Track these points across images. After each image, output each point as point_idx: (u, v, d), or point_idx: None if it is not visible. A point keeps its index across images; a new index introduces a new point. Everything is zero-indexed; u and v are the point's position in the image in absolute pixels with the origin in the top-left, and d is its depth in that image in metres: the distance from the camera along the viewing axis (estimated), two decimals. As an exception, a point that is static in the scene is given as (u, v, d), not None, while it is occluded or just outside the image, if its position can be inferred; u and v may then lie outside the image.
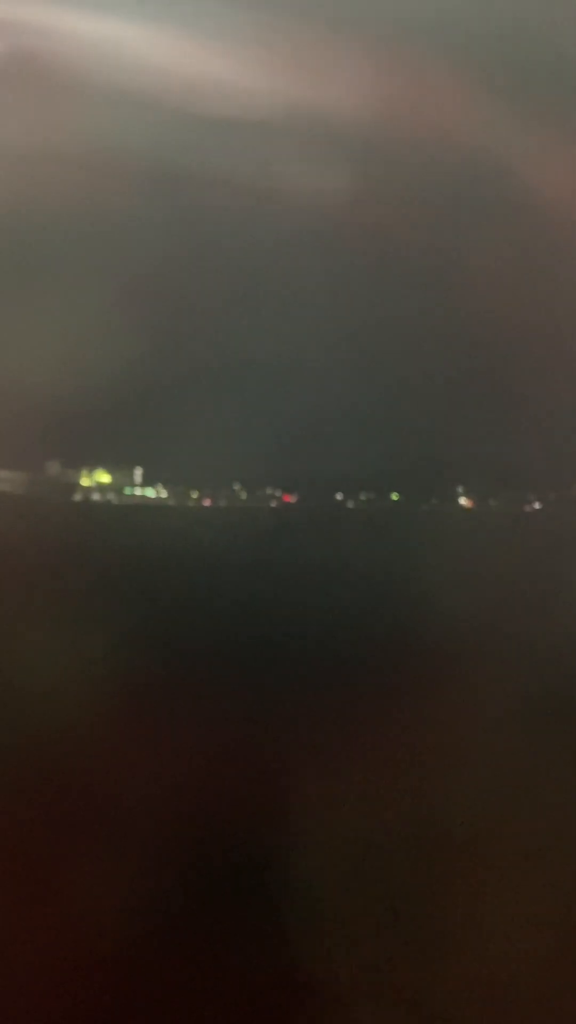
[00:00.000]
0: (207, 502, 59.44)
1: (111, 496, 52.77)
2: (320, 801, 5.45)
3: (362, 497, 52.26)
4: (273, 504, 59.63)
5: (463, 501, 60.77)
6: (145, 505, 54.84)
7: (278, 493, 58.60)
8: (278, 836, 4.92)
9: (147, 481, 56.59)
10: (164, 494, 57.79)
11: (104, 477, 53.70)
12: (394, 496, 54.69)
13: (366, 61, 8.55)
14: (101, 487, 53.07)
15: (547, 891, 4.33)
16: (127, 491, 53.46)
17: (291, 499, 56.02)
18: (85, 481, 52.83)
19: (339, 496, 52.67)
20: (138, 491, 54.65)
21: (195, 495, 60.10)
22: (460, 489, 62.39)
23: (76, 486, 51.27)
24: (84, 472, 53.42)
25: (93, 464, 53.77)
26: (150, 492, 55.44)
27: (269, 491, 57.56)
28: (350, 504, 52.53)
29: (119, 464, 55.82)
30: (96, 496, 51.57)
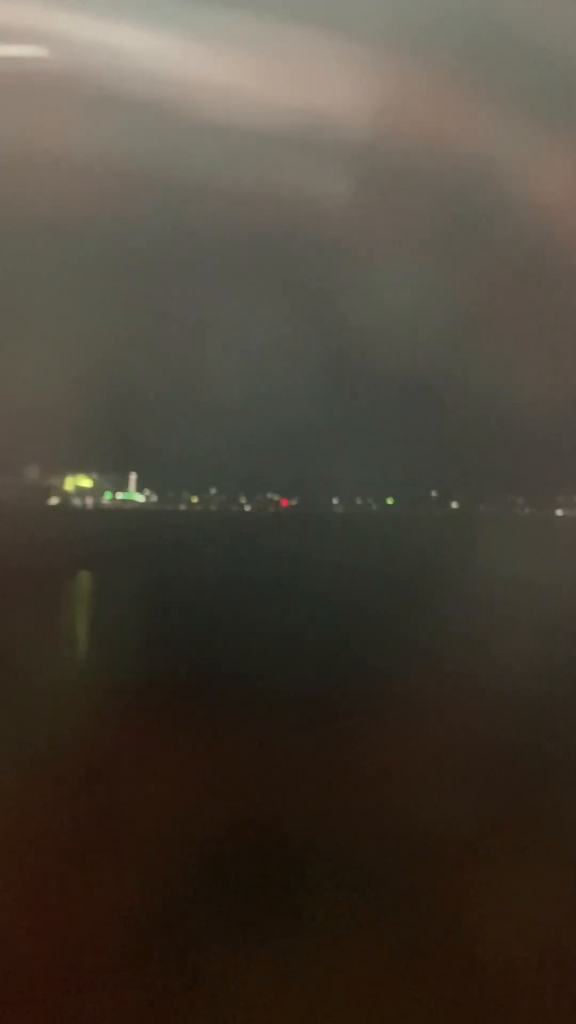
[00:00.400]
0: (182, 506, 57.84)
1: (91, 500, 49.45)
2: (317, 795, 5.23)
3: (357, 501, 53.08)
4: (244, 509, 58.85)
5: (454, 505, 61.54)
6: (142, 509, 53.51)
7: (276, 498, 58.81)
8: (277, 832, 4.76)
9: (142, 487, 54.57)
10: (155, 498, 55.98)
11: (85, 482, 50.23)
12: (389, 500, 55.43)
13: (367, 67, 8.33)
14: (81, 491, 49.42)
15: (548, 895, 4.01)
16: (108, 496, 50.55)
17: (288, 504, 56.59)
18: (67, 485, 48.73)
19: (335, 501, 53.38)
20: (119, 495, 51.50)
21: (194, 500, 59.87)
22: (439, 494, 62.61)
23: (53, 490, 47.14)
24: (66, 477, 49.18)
25: (79, 469, 50.05)
26: (138, 496, 53.32)
27: (269, 496, 57.81)
28: (344, 509, 53.23)
29: (116, 471, 52.99)
30: (76, 500, 47.94)
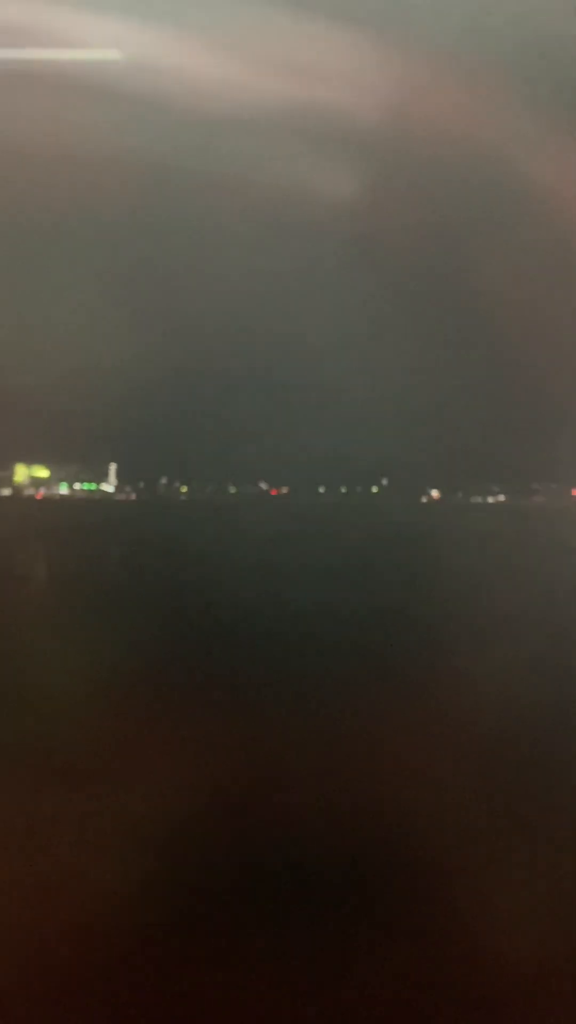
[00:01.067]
0: (133, 494, 58.15)
1: (52, 491, 50.04)
2: (308, 781, 5.18)
3: (343, 490, 55.02)
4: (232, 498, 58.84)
5: (434, 493, 63.99)
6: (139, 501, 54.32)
7: (265, 487, 60.66)
8: (266, 824, 4.73)
9: (131, 479, 54.35)
10: (142, 489, 55.69)
11: (42, 472, 50.38)
12: (374, 489, 57.45)
13: (374, 58, 8.26)
14: (36, 482, 49.91)
15: (550, 897, 4.06)
16: (63, 486, 50.88)
17: (277, 492, 58.70)
18: (18, 476, 49.23)
19: (321, 490, 55.20)
20: (77, 485, 51.45)
21: (183, 490, 61.32)
22: (420, 482, 64.37)
23: (3, 480, 47.55)
24: (19, 467, 49.53)
25: (33, 460, 50.15)
26: (107, 487, 53.06)
27: (260, 485, 59.37)
28: (330, 497, 55.28)
29: (94, 461, 52.96)
30: (30, 491, 48.63)
